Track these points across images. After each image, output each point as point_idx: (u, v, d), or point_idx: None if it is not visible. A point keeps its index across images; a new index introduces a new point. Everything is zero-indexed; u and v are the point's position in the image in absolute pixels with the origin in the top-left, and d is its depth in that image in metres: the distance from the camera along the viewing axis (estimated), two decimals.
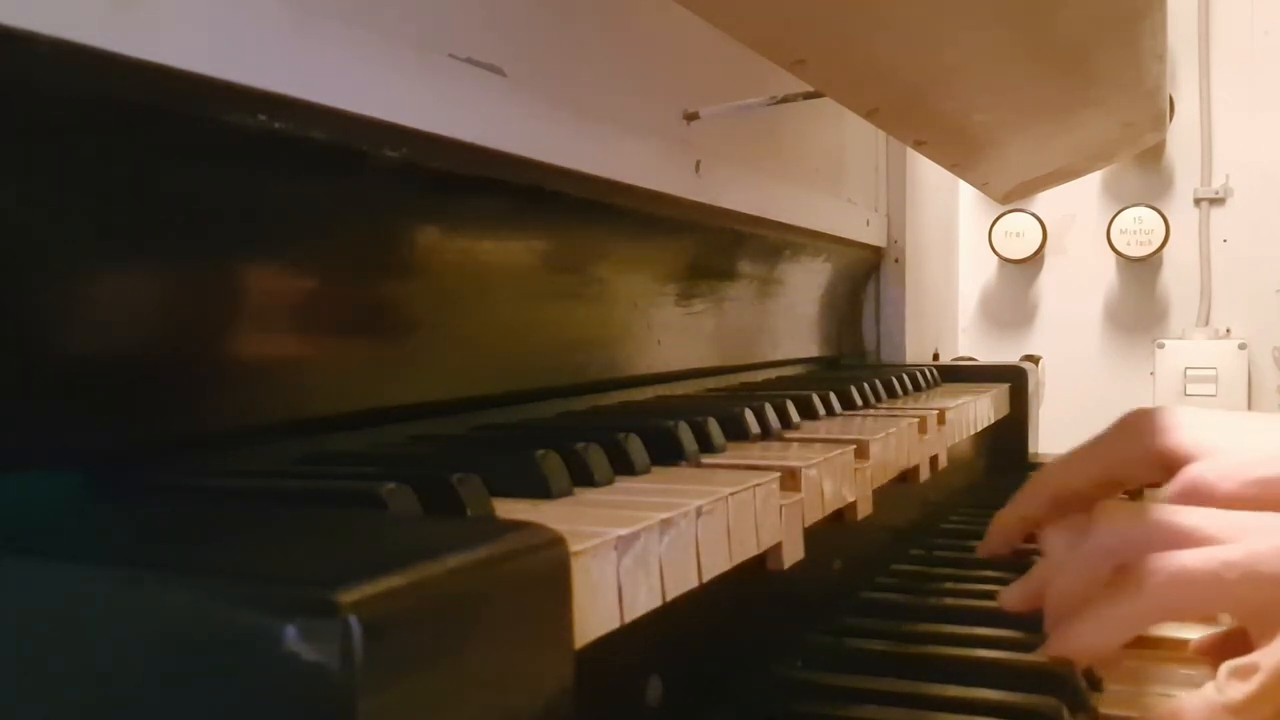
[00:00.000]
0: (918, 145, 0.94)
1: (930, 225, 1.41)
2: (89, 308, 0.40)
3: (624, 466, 0.49)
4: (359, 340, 0.54)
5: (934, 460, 0.78)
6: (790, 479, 0.51)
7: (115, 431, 0.41)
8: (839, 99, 0.75)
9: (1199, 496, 0.53)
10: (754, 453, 0.59)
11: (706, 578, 0.42)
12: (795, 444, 0.64)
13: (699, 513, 0.41)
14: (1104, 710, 0.54)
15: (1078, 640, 0.49)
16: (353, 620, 0.23)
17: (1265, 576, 0.47)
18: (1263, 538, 0.48)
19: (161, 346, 0.43)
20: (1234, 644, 0.54)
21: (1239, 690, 0.46)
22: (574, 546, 0.32)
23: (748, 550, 0.46)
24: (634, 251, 0.79)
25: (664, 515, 0.38)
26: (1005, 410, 1.14)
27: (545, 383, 0.69)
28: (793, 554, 0.51)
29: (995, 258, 2.08)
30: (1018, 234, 2.06)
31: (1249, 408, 1.95)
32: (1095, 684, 0.57)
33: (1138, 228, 1.98)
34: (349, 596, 0.23)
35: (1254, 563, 0.47)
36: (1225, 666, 0.48)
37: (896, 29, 0.62)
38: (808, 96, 0.84)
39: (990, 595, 0.68)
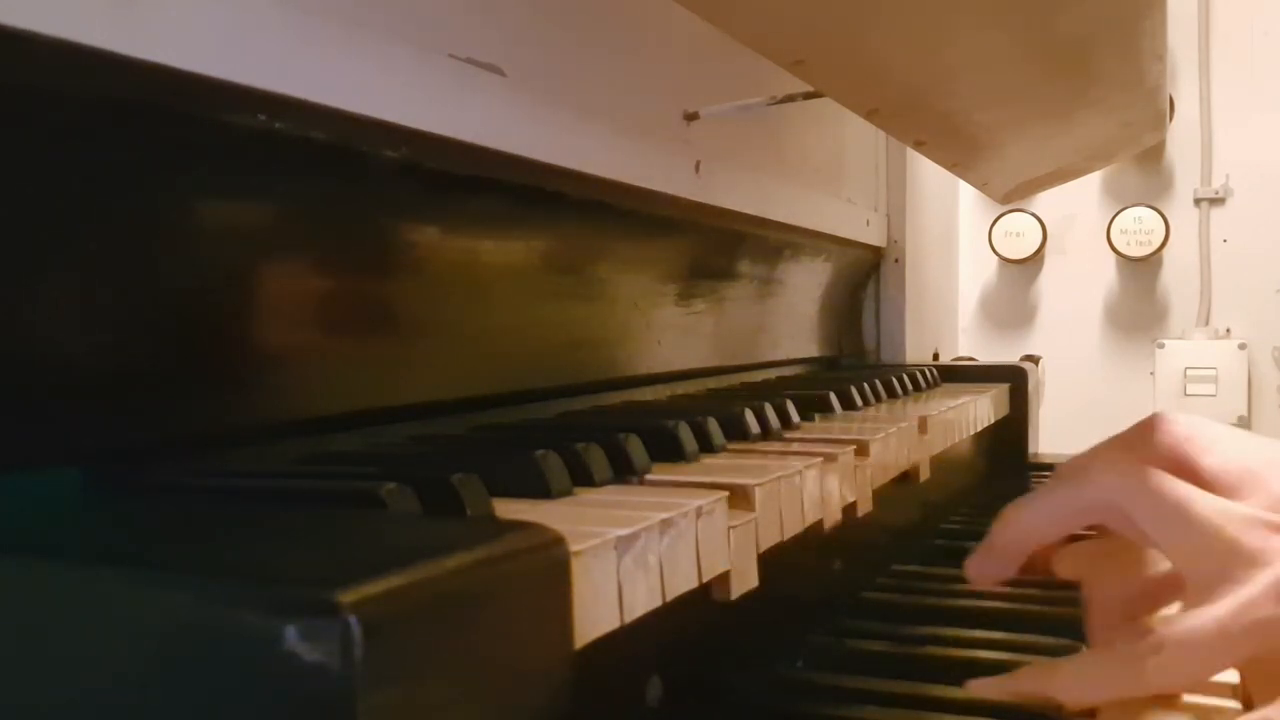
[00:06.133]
0: (918, 145, 0.94)
1: (930, 225, 1.41)
2: (89, 307, 0.40)
3: (624, 466, 0.49)
4: (359, 340, 0.54)
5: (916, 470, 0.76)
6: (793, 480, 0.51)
7: (115, 431, 0.41)
8: (839, 99, 0.75)
9: (1181, 461, 0.51)
10: (754, 453, 0.59)
11: (706, 578, 0.42)
12: (795, 444, 0.64)
13: (699, 513, 0.41)
14: (1103, 711, 0.54)
15: (1063, 685, 0.47)
16: (353, 620, 0.23)
17: (1267, 626, 0.44)
18: (1255, 576, 0.44)
19: (161, 346, 0.43)
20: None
21: None
22: (574, 546, 0.32)
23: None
24: (634, 251, 0.79)
25: (664, 515, 0.38)
26: (1005, 410, 1.14)
27: (545, 383, 0.69)
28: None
29: (995, 258, 2.09)
30: (1018, 234, 2.06)
31: (1249, 408, 1.95)
32: None
33: (1138, 228, 1.98)
34: (349, 596, 0.23)
35: (1253, 617, 0.44)
36: None
37: (897, 29, 0.62)
38: (808, 96, 0.84)
39: (989, 596, 0.68)
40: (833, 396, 0.80)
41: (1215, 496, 0.48)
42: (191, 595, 0.25)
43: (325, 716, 0.23)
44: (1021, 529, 0.52)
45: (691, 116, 0.82)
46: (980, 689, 0.49)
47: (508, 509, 0.39)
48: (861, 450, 0.62)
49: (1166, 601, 0.52)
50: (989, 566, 0.53)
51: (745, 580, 0.45)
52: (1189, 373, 1.96)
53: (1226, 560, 0.45)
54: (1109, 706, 0.48)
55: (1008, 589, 0.58)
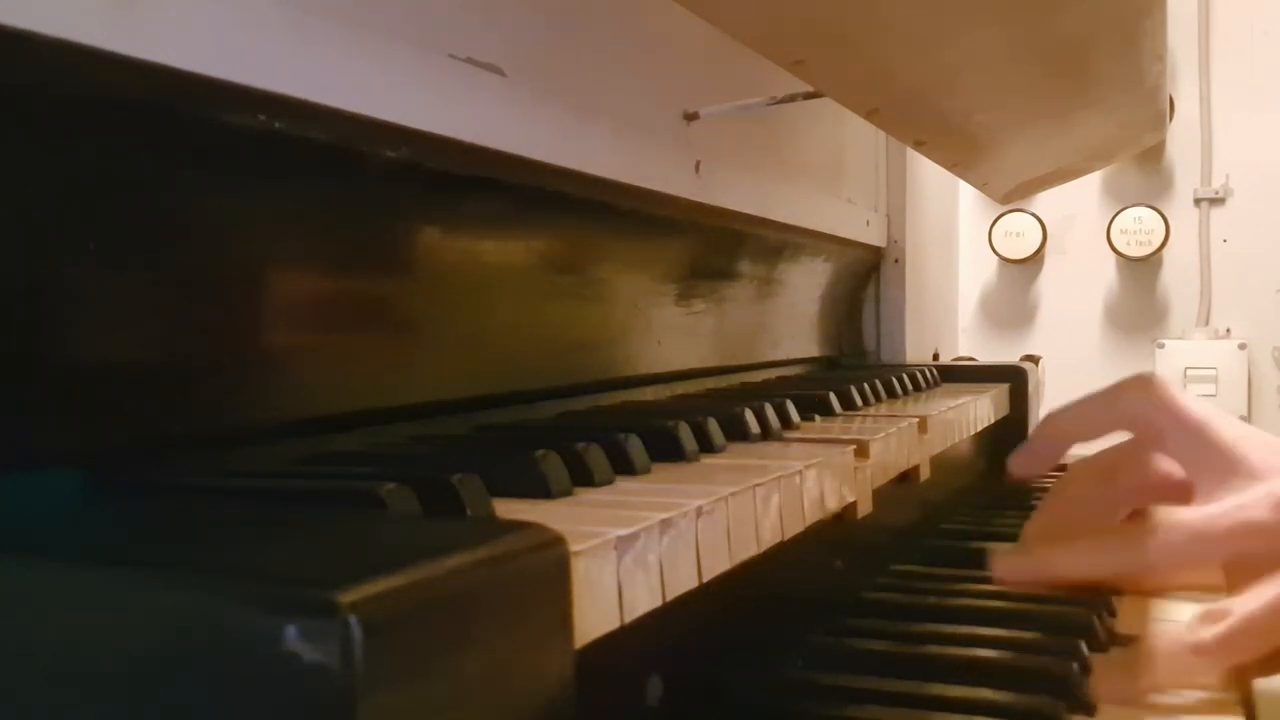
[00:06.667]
0: (918, 145, 0.94)
1: (930, 225, 1.41)
2: (89, 307, 0.40)
3: (624, 466, 0.49)
4: (359, 340, 0.54)
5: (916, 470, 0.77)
6: (794, 479, 0.52)
7: (115, 431, 0.41)
8: (839, 99, 0.75)
9: None
10: (753, 453, 0.59)
11: (706, 578, 0.42)
12: (795, 444, 0.64)
13: (699, 513, 0.41)
14: (1103, 710, 0.54)
15: (1067, 559, 0.54)
16: (353, 620, 0.23)
17: (1254, 527, 0.50)
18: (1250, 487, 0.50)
19: (161, 347, 0.43)
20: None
21: (1209, 632, 0.49)
22: (574, 546, 0.32)
23: (748, 550, 0.46)
24: (634, 251, 0.79)
25: (664, 515, 0.38)
26: (1005, 410, 1.14)
27: (545, 383, 0.69)
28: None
29: (995, 258, 2.08)
30: (1018, 234, 2.06)
31: (1249, 408, 1.95)
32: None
33: (1138, 228, 1.98)
34: (349, 596, 0.23)
35: (1244, 517, 0.50)
36: (1198, 610, 0.51)
37: (896, 29, 0.62)
38: (808, 96, 0.84)
39: (989, 595, 0.68)
40: (833, 396, 0.79)
41: (1234, 419, 0.54)
42: (191, 595, 0.25)
43: (325, 717, 0.23)
44: (1060, 429, 0.60)
45: (691, 116, 0.82)
46: (1002, 567, 0.56)
47: (508, 509, 0.39)
48: (861, 451, 0.62)
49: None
50: (1029, 463, 0.61)
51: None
52: (1189, 373, 1.96)
53: (1232, 472, 0.52)
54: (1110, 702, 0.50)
55: (1008, 589, 0.61)
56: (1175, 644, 0.50)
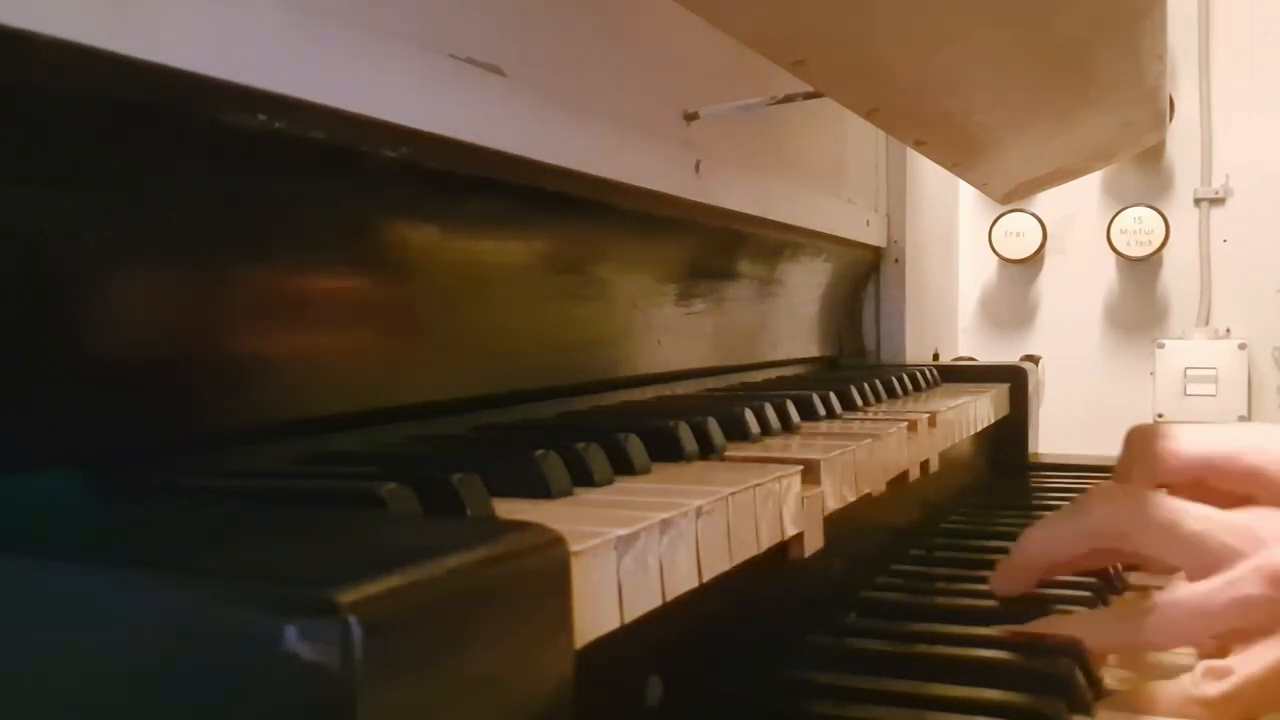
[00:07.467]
0: (918, 145, 0.94)
1: (930, 225, 1.41)
2: (89, 307, 0.40)
3: (624, 466, 0.49)
4: (359, 340, 0.54)
5: (924, 465, 0.78)
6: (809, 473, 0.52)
7: (115, 431, 0.41)
8: (839, 99, 0.75)
9: (1153, 465, 0.61)
10: (754, 452, 0.59)
11: (706, 578, 0.42)
12: (796, 442, 0.64)
13: (699, 513, 0.41)
14: (1103, 711, 0.54)
15: (1076, 634, 0.56)
16: (353, 620, 0.23)
17: (1248, 602, 0.51)
18: (1238, 563, 0.52)
19: (162, 346, 0.43)
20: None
21: (1213, 689, 0.50)
22: (574, 546, 0.32)
23: (748, 550, 0.46)
24: (634, 251, 0.79)
25: (664, 515, 0.38)
26: (1005, 410, 1.14)
27: (545, 383, 0.69)
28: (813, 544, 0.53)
29: (995, 258, 2.08)
30: (1018, 234, 2.05)
31: (1249, 408, 1.95)
32: (1095, 684, 0.57)
33: (1138, 228, 1.98)
34: (349, 596, 0.23)
35: (1237, 594, 0.52)
36: (1202, 665, 0.52)
37: (896, 29, 0.62)
38: (808, 96, 0.84)
39: (991, 596, 0.68)
40: (833, 396, 0.79)
41: (1198, 507, 0.56)
42: (191, 595, 0.25)
43: (325, 717, 0.23)
44: (1037, 551, 0.61)
45: (691, 116, 0.82)
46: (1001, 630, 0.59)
47: (508, 509, 0.39)
48: (861, 451, 0.62)
49: None
50: (1010, 582, 0.63)
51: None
52: (1189, 373, 1.96)
53: (1219, 556, 0.53)
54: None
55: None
56: (1179, 696, 0.52)
